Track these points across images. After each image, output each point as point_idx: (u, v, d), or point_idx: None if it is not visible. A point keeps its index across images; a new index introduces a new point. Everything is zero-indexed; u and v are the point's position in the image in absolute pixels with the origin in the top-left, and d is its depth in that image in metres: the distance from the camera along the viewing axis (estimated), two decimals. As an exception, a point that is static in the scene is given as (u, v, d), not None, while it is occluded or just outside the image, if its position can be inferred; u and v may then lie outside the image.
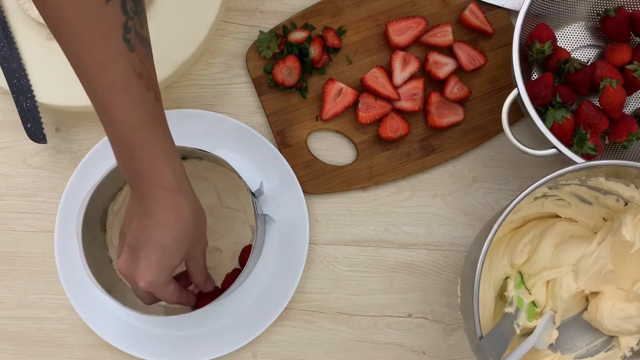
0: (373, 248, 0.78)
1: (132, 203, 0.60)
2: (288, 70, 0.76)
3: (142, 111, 0.54)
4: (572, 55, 0.75)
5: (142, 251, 0.58)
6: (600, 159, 0.71)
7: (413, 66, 0.78)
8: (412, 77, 0.78)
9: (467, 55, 0.78)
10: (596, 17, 0.78)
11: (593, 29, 0.79)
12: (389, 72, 0.78)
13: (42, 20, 0.73)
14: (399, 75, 0.78)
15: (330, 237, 0.79)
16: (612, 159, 0.75)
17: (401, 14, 0.79)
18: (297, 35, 0.78)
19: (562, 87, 0.73)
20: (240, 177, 0.69)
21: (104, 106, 0.53)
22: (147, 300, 0.64)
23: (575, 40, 0.79)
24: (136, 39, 0.53)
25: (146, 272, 0.58)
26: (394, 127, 0.77)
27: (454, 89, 0.77)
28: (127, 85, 0.53)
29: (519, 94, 0.69)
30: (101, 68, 0.52)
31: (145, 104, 0.54)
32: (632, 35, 0.77)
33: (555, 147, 0.68)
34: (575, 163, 0.66)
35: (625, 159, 0.74)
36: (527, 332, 0.70)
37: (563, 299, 0.70)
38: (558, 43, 0.77)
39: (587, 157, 0.70)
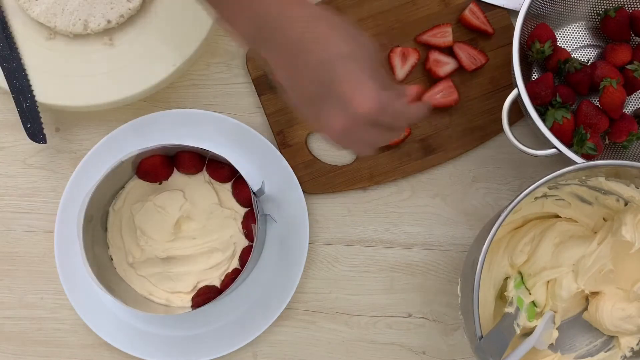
0: (373, 248, 0.78)
1: (275, 64, 0.48)
2: None
3: None
4: (572, 55, 0.75)
5: (335, 82, 0.46)
6: (600, 159, 0.71)
7: (413, 58, 0.78)
8: (413, 70, 0.79)
9: (467, 55, 0.78)
10: (596, 17, 0.78)
11: (593, 29, 0.79)
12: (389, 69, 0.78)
13: (42, 20, 0.73)
14: (401, 70, 0.78)
15: (330, 237, 0.79)
16: (612, 159, 0.75)
17: (401, 14, 0.79)
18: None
19: (562, 87, 0.73)
20: (242, 176, 0.69)
21: None
22: (380, 138, 0.51)
23: (575, 40, 0.79)
24: None
25: (363, 91, 0.46)
26: None
27: (441, 92, 0.78)
28: None
29: (519, 94, 0.69)
30: None
31: None
32: (632, 35, 0.77)
33: (555, 147, 0.68)
34: (575, 163, 0.66)
35: (625, 159, 0.74)
36: (527, 332, 0.70)
37: (563, 299, 0.70)
38: (558, 43, 0.77)
39: (587, 157, 0.70)
